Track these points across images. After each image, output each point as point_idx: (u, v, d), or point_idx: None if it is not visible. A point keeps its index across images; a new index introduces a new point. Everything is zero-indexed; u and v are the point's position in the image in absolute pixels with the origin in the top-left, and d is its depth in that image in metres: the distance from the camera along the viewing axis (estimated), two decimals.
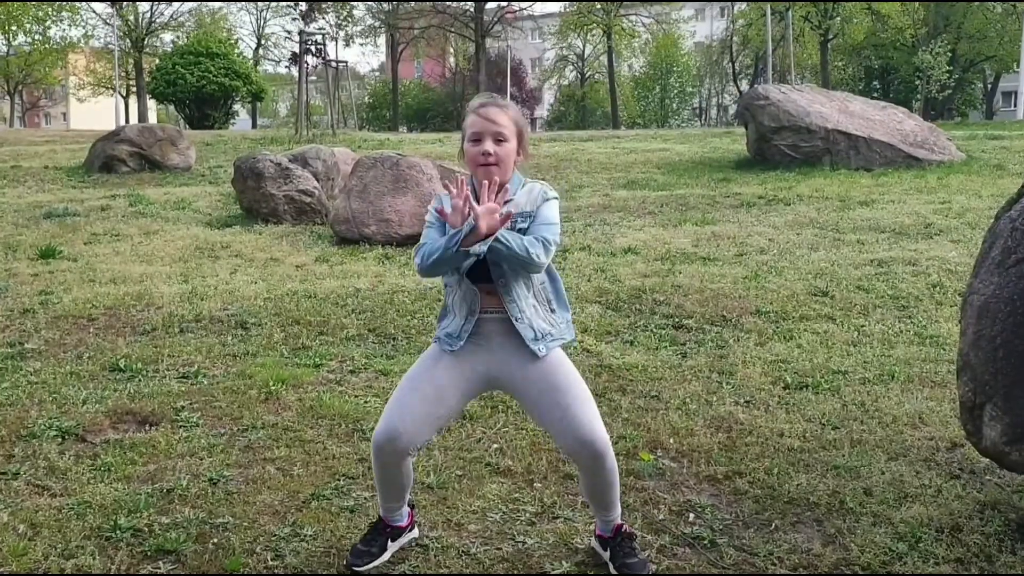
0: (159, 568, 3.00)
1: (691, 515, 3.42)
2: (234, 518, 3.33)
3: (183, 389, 4.78)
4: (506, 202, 2.80)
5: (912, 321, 6.09)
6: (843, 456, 3.92)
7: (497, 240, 2.67)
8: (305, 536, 3.21)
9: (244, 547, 3.12)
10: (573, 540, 3.20)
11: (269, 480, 3.68)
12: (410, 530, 3.17)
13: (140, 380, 4.93)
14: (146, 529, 3.24)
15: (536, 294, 2.90)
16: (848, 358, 5.31)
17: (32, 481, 3.67)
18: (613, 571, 2.96)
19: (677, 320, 6.15)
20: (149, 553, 3.08)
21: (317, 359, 5.29)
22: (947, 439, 4.09)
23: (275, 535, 3.21)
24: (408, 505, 3.13)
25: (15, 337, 5.72)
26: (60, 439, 4.10)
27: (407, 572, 2.99)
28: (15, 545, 3.09)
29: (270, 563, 3.02)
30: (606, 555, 3.03)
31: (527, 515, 3.37)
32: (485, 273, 2.82)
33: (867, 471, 3.77)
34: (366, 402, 4.60)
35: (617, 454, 3.88)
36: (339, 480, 3.68)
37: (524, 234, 2.77)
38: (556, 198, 2.87)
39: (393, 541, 3.09)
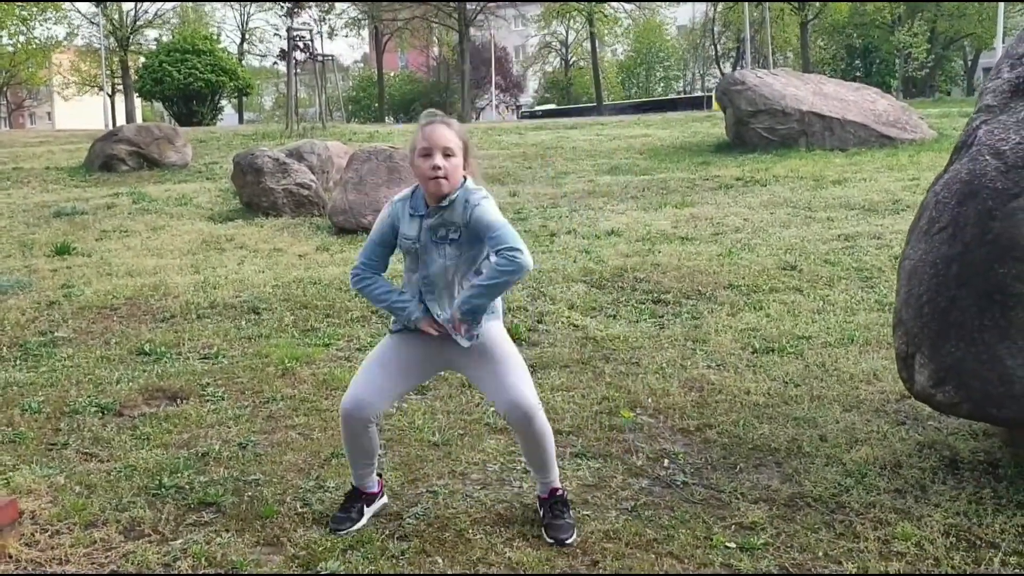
0: (203, 517, 3.44)
1: (666, 461, 3.89)
2: (264, 475, 3.79)
3: (206, 368, 5.24)
4: (442, 209, 3.14)
5: (874, 291, 6.58)
6: (803, 409, 4.40)
7: (474, 313, 3.10)
8: (328, 488, 3.65)
9: (275, 498, 3.57)
10: (563, 485, 3.66)
11: (292, 443, 4.14)
12: (380, 497, 3.49)
13: (165, 361, 5.38)
14: (187, 486, 3.68)
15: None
16: (812, 325, 5.80)
17: (80, 450, 4.11)
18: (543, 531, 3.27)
19: (656, 295, 6.62)
20: (193, 505, 3.52)
21: (326, 339, 5.75)
22: (897, 392, 4.56)
23: (302, 488, 3.66)
24: (376, 474, 3.46)
25: (45, 327, 6.17)
26: (100, 414, 4.55)
27: (419, 513, 3.44)
28: (75, 502, 3.53)
29: (300, 510, 3.47)
30: (540, 515, 3.35)
31: (522, 465, 3.81)
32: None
33: (823, 421, 4.25)
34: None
35: (600, 412, 4.40)
36: None
37: (453, 243, 3.14)
38: (485, 198, 3.14)
39: (368, 507, 3.42)
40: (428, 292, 3.24)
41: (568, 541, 3.21)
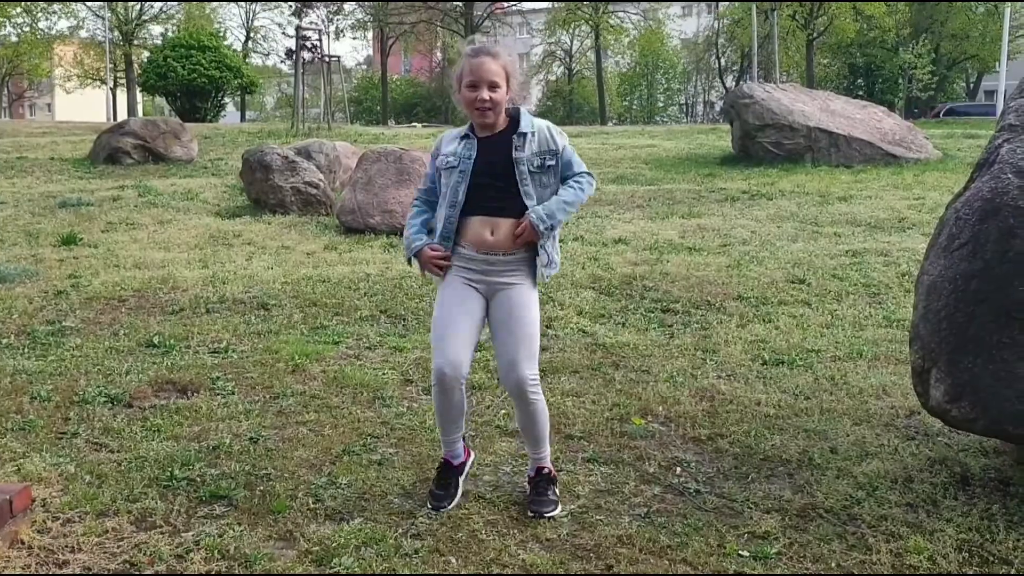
0: (215, 510, 3.44)
1: (678, 469, 3.89)
2: (275, 470, 3.78)
3: (216, 362, 5.24)
4: (522, 135, 3.28)
5: (882, 306, 6.60)
6: (813, 421, 4.41)
7: (552, 224, 3.24)
8: (340, 484, 3.65)
9: (287, 493, 3.56)
10: (575, 488, 3.66)
11: (303, 439, 4.13)
12: (468, 461, 3.63)
13: (175, 354, 5.38)
14: (199, 479, 3.68)
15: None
16: (821, 338, 5.81)
17: (90, 440, 4.10)
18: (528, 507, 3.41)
19: (665, 304, 6.63)
20: (204, 498, 3.51)
21: (335, 337, 5.75)
22: (907, 407, 4.57)
23: (313, 483, 3.66)
24: (463, 439, 3.58)
25: (53, 316, 6.16)
26: (110, 405, 4.54)
27: (432, 512, 3.43)
28: (86, 491, 3.52)
29: (312, 506, 3.46)
30: (527, 492, 3.49)
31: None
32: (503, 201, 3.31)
33: (834, 434, 4.25)
34: (384, 374, 5.06)
35: (611, 419, 4.41)
36: (366, 439, 4.13)
37: (550, 170, 3.30)
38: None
39: (460, 476, 3.55)
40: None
41: (549, 514, 3.35)
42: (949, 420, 3.55)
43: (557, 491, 3.51)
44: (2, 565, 2.98)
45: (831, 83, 48.87)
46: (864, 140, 15.15)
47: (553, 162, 3.31)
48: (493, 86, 3.23)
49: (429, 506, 3.44)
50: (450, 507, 3.43)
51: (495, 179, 3.28)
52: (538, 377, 3.38)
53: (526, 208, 3.27)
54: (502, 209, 3.28)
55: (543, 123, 3.36)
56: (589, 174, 3.40)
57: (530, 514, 3.36)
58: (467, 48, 3.34)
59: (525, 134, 3.29)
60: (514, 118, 3.34)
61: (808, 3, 43.61)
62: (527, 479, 3.55)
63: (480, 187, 3.28)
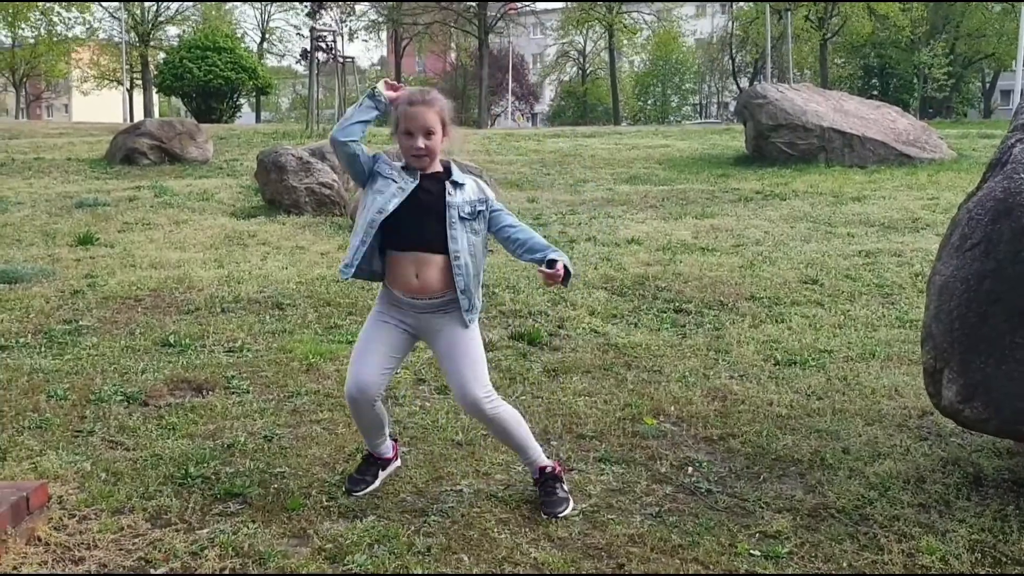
0: (229, 508, 3.46)
1: (690, 468, 3.90)
2: (289, 468, 3.81)
3: (231, 361, 5.27)
4: (455, 183, 3.34)
5: (895, 307, 6.58)
6: (825, 421, 4.41)
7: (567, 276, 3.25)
8: None
9: (301, 491, 3.59)
10: (587, 487, 3.67)
11: (317, 437, 4.16)
12: (395, 460, 3.75)
13: (190, 353, 5.41)
14: (213, 477, 3.70)
15: (478, 273, 3.43)
16: (834, 339, 5.80)
17: (106, 438, 4.14)
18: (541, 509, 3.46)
19: (677, 304, 6.64)
20: (219, 496, 3.54)
21: (349, 336, 5.77)
22: (919, 408, 4.56)
23: (327, 481, 3.68)
24: (391, 439, 3.71)
25: (70, 315, 6.21)
26: (126, 403, 4.57)
27: (444, 511, 3.45)
28: (102, 489, 3.55)
29: (325, 504, 3.49)
30: (538, 496, 3.53)
31: None
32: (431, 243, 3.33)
33: (846, 434, 4.25)
34: (397, 374, 5.07)
35: (623, 419, 4.42)
36: None
37: (480, 215, 3.35)
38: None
39: (383, 471, 3.68)
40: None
41: (563, 513, 3.40)
42: (961, 420, 3.55)
43: (566, 487, 3.54)
44: (19, 561, 3.01)
45: (845, 83, 48.70)
46: (878, 140, 15.11)
47: (483, 208, 3.38)
48: (428, 133, 3.29)
49: (344, 489, 3.59)
50: (365, 492, 3.57)
51: (427, 214, 3.31)
52: (492, 391, 3.41)
53: (446, 251, 3.31)
54: (429, 245, 3.32)
55: (472, 178, 3.46)
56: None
57: (544, 516, 3.40)
58: (404, 97, 3.35)
59: (458, 183, 3.37)
60: (447, 168, 3.40)
61: (822, 3, 43.47)
62: (533, 482, 3.58)
63: (413, 215, 3.30)
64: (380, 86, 3.37)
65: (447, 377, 3.50)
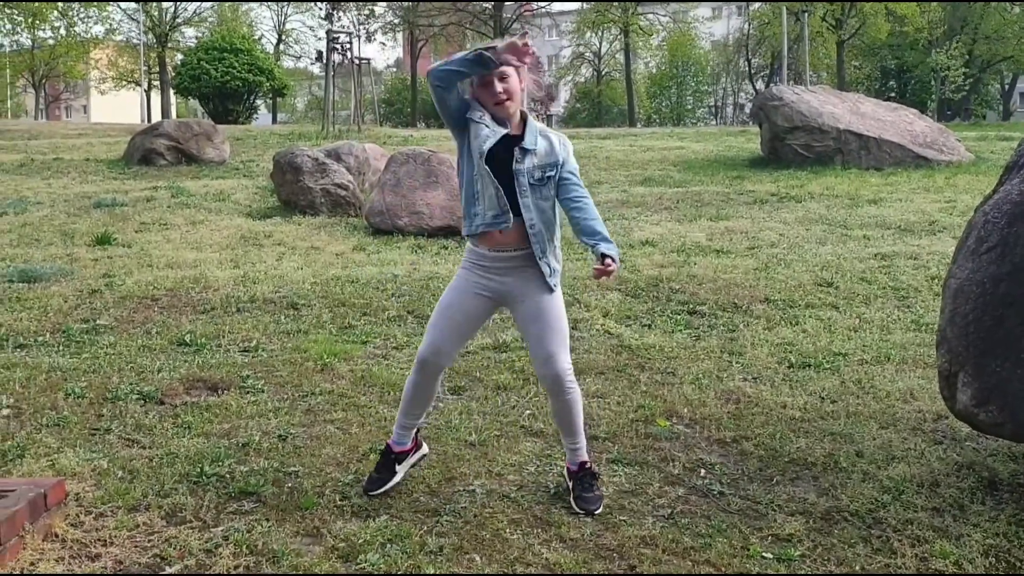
0: (244, 506, 3.49)
1: (702, 471, 3.89)
2: (303, 467, 3.83)
3: (246, 361, 5.31)
4: (525, 151, 3.32)
5: (910, 310, 6.55)
6: (839, 425, 4.39)
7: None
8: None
9: (315, 490, 3.61)
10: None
11: (331, 437, 4.18)
12: (415, 451, 3.72)
13: (206, 352, 5.45)
14: (228, 475, 3.73)
15: (553, 236, 3.45)
16: (848, 342, 5.78)
17: (123, 436, 4.17)
18: (572, 502, 3.48)
19: (691, 306, 6.63)
20: (234, 494, 3.57)
21: (363, 337, 5.80)
22: (934, 412, 4.54)
23: (340, 481, 3.70)
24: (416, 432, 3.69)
25: (87, 314, 6.26)
26: (142, 402, 4.61)
27: (457, 511, 3.46)
28: (118, 486, 3.59)
29: (339, 503, 3.51)
30: (570, 487, 3.55)
31: (558, 468, 3.83)
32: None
33: (860, 437, 4.23)
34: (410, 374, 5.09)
35: (636, 420, 4.42)
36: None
37: (546, 183, 3.35)
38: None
39: (399, 465, 3.64)
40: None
41: (596, 512, 3.42)
42: (976, 424, 3.53)
43: (600, 488, 3.58)
44: (37, 557, 3.04)
45: (862, 85, 48.48)
46: (895, 142, 15.03)
47: (552, 172, 3.38)
48: (502, 77, 3.29)
49: (363, 489, 3.58)
50: (383, 490, 3.56)
51: (503, 175, 3.33)
52: (572, 368, 3.47)
53: (519, 213, 3.34)
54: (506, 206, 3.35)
55: (547, 138, 3.40)
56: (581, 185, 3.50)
57: (577, 511, 3.43)
58: (469, 53, 3.33)
59: (527, 149, 3.34)
60: (523, 130, 3.38)
61: (840, 4, 43.28)
62: (567, 473, 3.61)
63: (498, 169, 3.33)
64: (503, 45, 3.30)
65: (532, 343, 3.46)
